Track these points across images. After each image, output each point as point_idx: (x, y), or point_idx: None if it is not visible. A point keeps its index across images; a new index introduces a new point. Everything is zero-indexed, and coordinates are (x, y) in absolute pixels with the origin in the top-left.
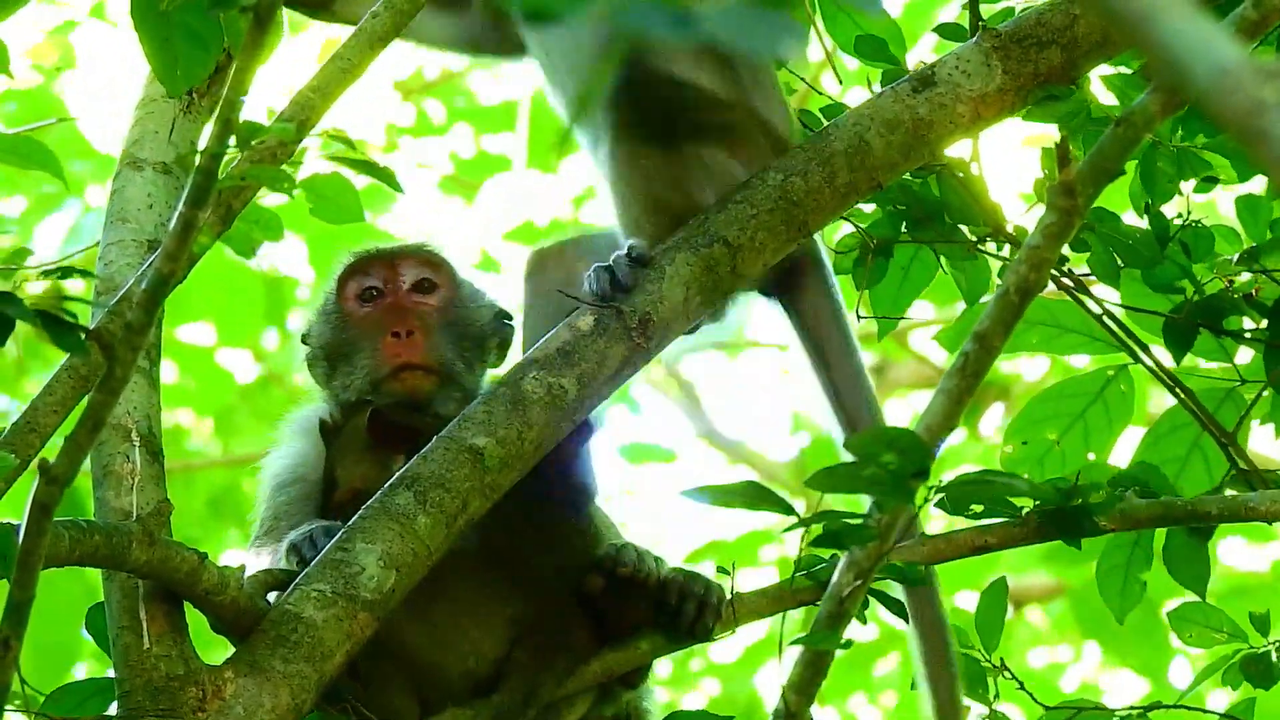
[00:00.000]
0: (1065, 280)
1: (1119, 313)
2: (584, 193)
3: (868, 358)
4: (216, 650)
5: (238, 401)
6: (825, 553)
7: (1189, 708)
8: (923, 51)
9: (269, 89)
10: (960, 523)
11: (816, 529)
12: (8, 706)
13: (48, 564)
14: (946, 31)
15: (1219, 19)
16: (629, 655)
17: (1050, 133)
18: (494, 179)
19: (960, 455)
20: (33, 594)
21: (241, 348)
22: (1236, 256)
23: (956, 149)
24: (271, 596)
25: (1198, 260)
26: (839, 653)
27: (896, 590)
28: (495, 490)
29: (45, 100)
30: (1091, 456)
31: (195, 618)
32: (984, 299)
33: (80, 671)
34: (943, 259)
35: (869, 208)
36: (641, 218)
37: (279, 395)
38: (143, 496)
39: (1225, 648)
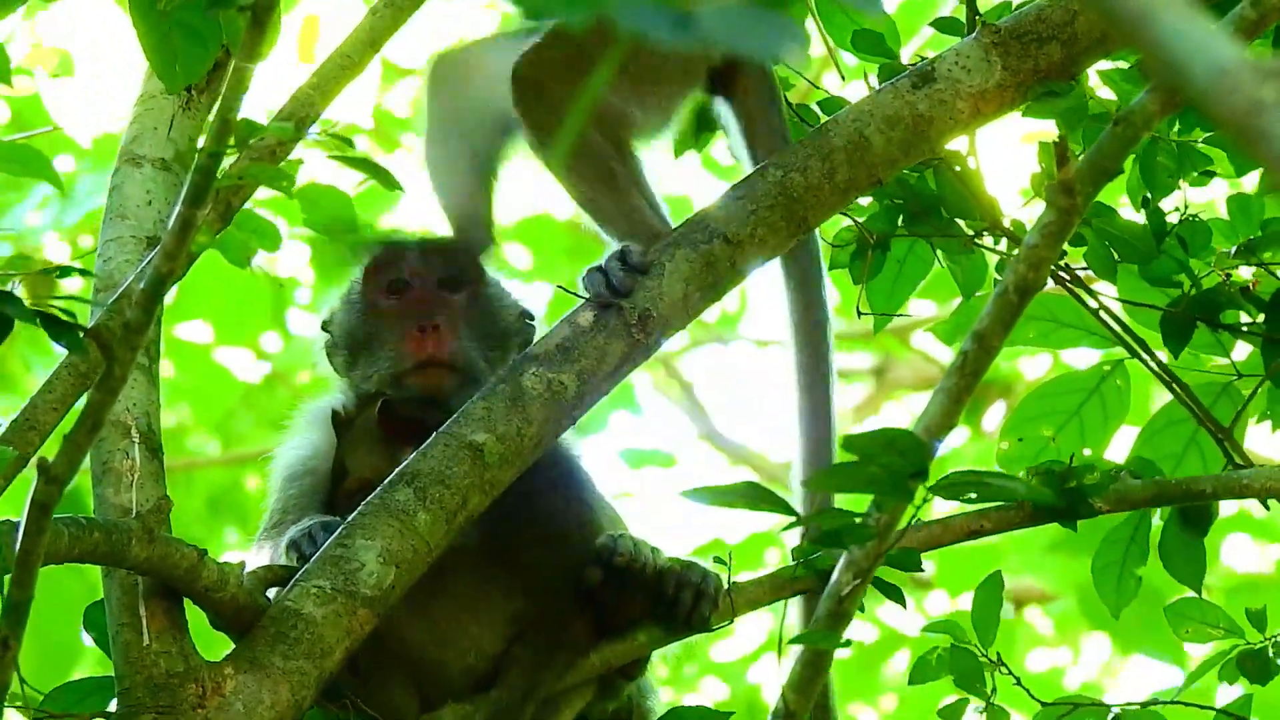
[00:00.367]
0: (1063, 275)
1: (1116, 308)
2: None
3: (867, 358)
4: (216, 647)
5: (239, 405)
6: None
7: (1186, 704)
8: (919, 46)
9: (267, 85)
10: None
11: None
12: (7, 705)
13: (47, 561)
14: (944, 25)
15: (1217, 18)
16: (627, 647)
17: (1048, 128)
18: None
19: (960, 457)
20: (32, 593)
21: (243, 348)
22: (1234, 250)
23: (954, 143)
24: (271, 593)
25: (1195, 255)
26: (845, 653)
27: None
28: (495, 486)
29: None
30: (1087, 452)
31: (195, 614)
32: (980, 293)
33: (82, 672)
34: (939, 253)
35: (865, 201)
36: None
37: (284, 396)
38: (142, 493)
39: (1223, 644)
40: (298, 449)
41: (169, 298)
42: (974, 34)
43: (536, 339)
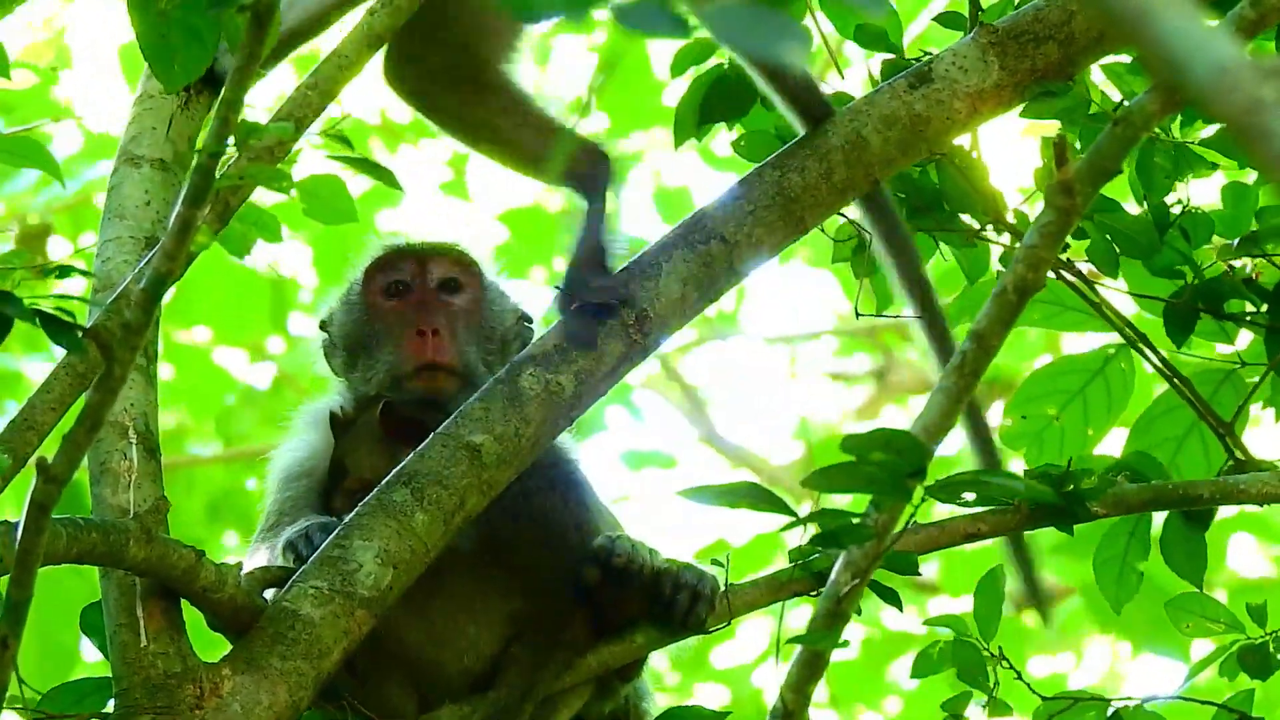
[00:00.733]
0: (1064, 272)
1: (1118, 300)
2: None
3: (867, 360)
4: (214, 648)
5: (240, 408)
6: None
7: (1186, 699)
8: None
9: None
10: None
11: (815, 529)
12: (6, 705)
13: (45, 561)
14: (946, 20)
15: (1217, 18)
16: (625, 648)
17: (1050, 122)
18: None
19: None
20: (30, 593)
21: (243, 351)
22: (1237, 241)
23: (956, 138)
24: (269, 594)
25: (1197, 245)
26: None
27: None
28: (493, 487)
29: (41, 100)
30: (1091, 433)
31: (193, 615)
32: (984, 279)
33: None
34: (943, 246)
35: None
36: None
37: (291, 398)
38: (140, 494)
39: (1223, 639)
40: (295, 451)
41: (167, 299)
42: (971, 34)
43: (534, 340)
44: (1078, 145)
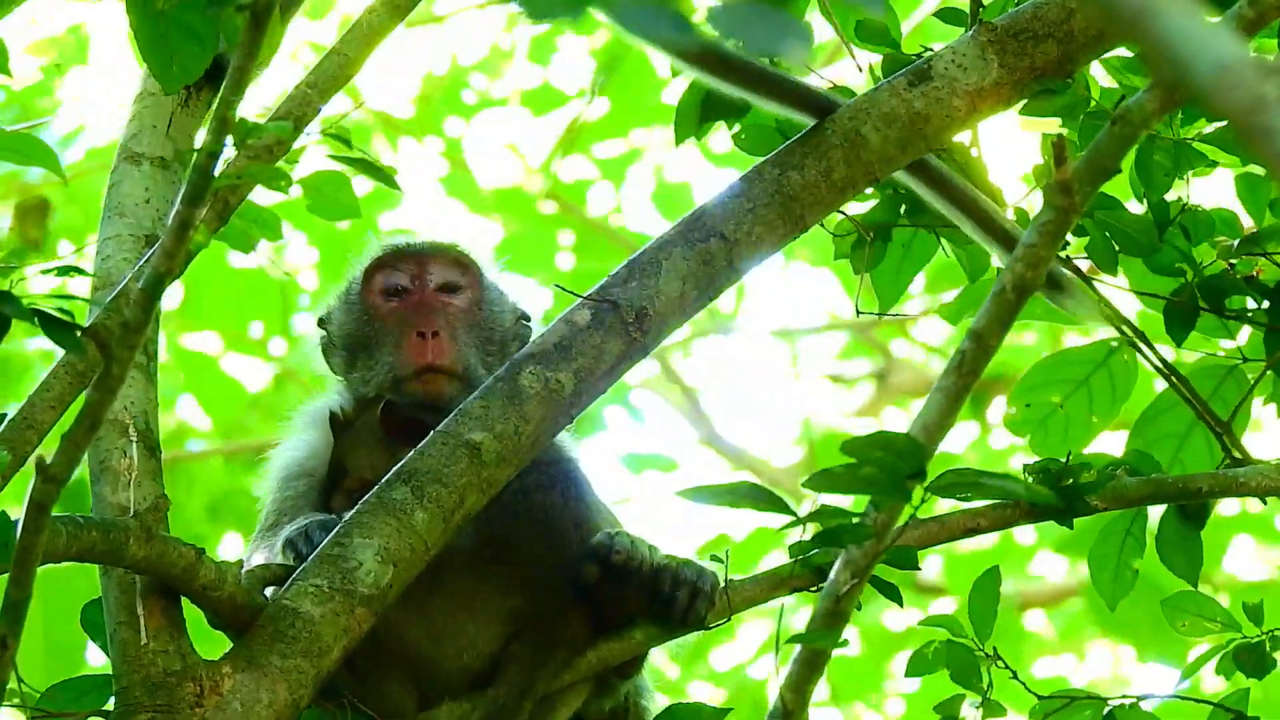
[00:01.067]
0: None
1: (1119, 295)
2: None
3: (866, 363)
4: (214, 646)
5: (243, 410)
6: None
7: (1182, 698)
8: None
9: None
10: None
11: (815, 528)
12: (6, 704)
13: (45, 560)
14: (947, 17)
15: (1216, 16)
16: (624, 645)
17: (1050, 120)
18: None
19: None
20: (30, 593)
21: (251, 358)
22: (1237, 242)
23: (956, 137)
24: (269, 592)
25: (1197, 243)
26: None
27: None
28: (492, 485)
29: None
30: (1095, 420)
31: (193, 613)
32: (985, 277)
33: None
34: (944, 242)
35: (869, 190)
36: None
37: (295, 393)
38: (140, 492)
39: (1220, 638)
40: (295, 450)
41: (175, 304)
42: (970, 31)
43: (534, 337)
44: (1076, 143)
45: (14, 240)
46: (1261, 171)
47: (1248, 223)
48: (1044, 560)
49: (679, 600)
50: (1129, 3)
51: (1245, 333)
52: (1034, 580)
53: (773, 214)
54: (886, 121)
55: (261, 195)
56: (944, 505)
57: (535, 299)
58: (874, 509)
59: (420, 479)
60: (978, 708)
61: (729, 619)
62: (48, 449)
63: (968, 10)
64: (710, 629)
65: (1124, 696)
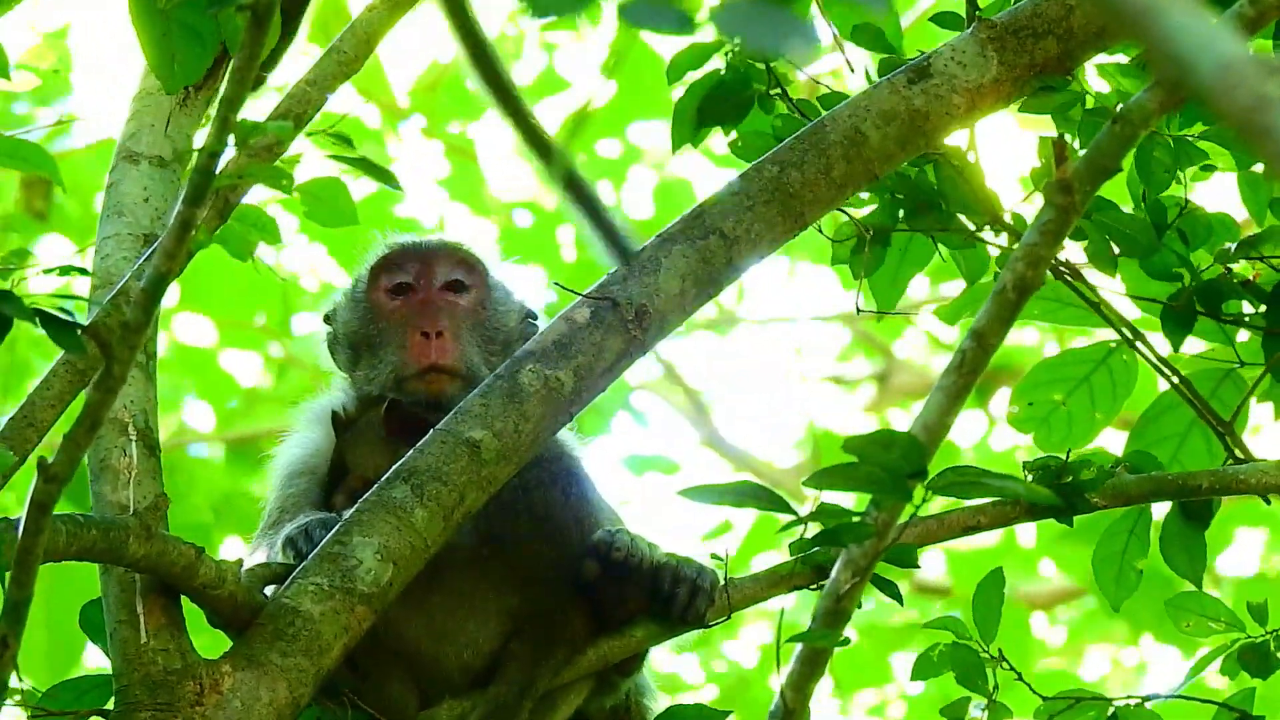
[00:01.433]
0: (1062, 270)
1: (1116, 299)
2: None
3: (866, 364)
4: (215, 645)
5: (243, 405)
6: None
7: (1187, 698)
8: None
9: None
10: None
11: (816, 527)
12: (7, 702)
13: (45, 559)
14: (944, 21)
15: (1216, 15)
16: (624, 643)
17: (1046, 119)
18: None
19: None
20: (31, 592)
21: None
22: (1234, 246)
23: (954, 138)
24: (269, 590)
25: (1195, 247)
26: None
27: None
28: (492, 483)
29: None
30: (1099, 417)
31: (193, 612)
32: (984, 280)
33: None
34: (941, 246)
35: (865, 195)
36: None
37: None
38: (140, 490)
39: (1224, 637)
40: (297, 448)
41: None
42: (970, 29)
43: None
44: (1075, 145)
45: (19, 212)
46: (1261, 169)
47: (1248, 223)
48: (1050, 562)
49: (679, 598)
50: (1131, 1)
51: (1241, 335)
52: (1043, 581)
53: (772, 211)
54: (886, 119)
55: (261, 194)
56: (937, 505)
57: (540, 293)
58: (875, 508)
59: (420, 477)
60: (983, 710)
61: (729, 617)
62: (47, 449)
63: (964, 14)
64: (710, 627)
65: (1129, 697)
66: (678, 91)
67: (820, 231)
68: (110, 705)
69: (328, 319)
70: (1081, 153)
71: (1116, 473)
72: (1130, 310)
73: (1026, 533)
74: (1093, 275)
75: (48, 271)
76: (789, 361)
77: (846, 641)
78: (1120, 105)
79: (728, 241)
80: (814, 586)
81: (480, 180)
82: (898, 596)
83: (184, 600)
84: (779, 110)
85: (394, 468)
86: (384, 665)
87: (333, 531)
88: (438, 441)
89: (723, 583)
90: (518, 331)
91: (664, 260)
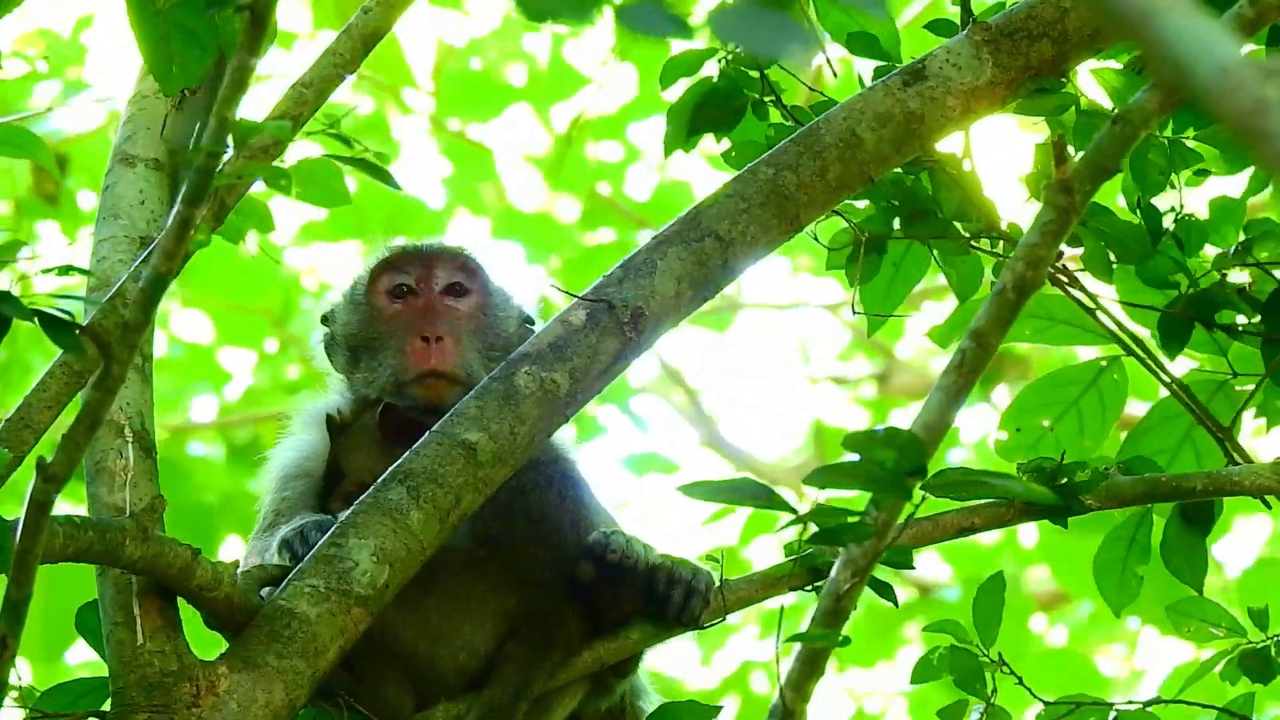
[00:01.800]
0: (1060, 276)
1: (1113, 307)
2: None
3: (866, 364)
4: (211, 646)
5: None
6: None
7: (1187, 703)
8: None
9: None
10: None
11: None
12: (5, 702)
13: (42, 560)
14: (938, 28)
15: (1215, 17)
16: (620, 645)
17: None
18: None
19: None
20: (30, 592)
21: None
22: (1231, 250)
23: (950, 144)
24: (266, 592)
25: (1191, 254)
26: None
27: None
28: (488, 484)
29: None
30: (1087, 444)
31: (189, 613)
32: (976, 297)
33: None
34: (936, 255)
35: (861, 203)
36: None
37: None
38: (136, 492)
39: (1224, 642)
40: (293, 450)
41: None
42: (965, 31)
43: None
44: (1071, 149)
45: (30, 194)
46: (1240, 190)
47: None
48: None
49: (674, 599)
50: (1131, 4)
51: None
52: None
53: (768, 214)
54: (881, 121)
55: (258, 191)
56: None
57: (539, 290)
58: (874, 507)
59: (416, 479)
60: (981, 715)
61: (724, 618)
62: (45, 450)
63: (958, 20)
64: (705, 628)
65: (1130, 701)
66: (678, 84)
67: (815, 239)
68: (107, 707)
69: (325, 320)
70: (1078, 155)
71: (1111, 474)
72: (1123, 321)
73: (1027, 532)
74: (1089, 283)
75: (46, 271)
76: (790, 356)
77: (846, 641)
78: (1118, 106)
79: (723, 244)
80: (810, 588)
81: (491, 175)
82: (892, 598)
83: (180, 602)
84: (773, 119)
85: (390, 470)
86: (380, 667)
87: (329, 534)
88: (433, 443)
89: (718, 584)
90: (517, 336)
91: (659, 262)
